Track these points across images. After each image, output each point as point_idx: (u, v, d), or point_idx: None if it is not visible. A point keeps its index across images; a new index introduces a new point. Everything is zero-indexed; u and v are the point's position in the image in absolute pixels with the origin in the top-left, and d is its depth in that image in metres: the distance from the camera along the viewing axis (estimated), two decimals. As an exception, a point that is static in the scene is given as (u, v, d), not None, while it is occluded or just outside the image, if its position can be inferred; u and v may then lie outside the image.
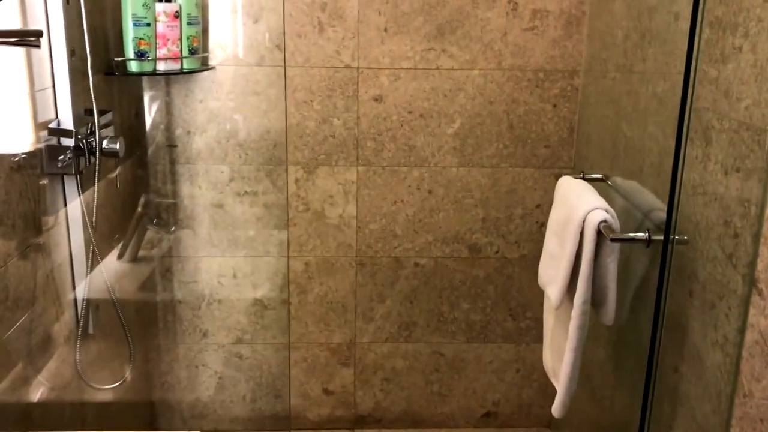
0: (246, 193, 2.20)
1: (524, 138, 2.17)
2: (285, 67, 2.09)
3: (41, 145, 1.46)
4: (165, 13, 1.91)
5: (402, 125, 2.15)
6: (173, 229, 2.18)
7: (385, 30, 2.07)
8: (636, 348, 1.49)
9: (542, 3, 2.06)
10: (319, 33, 2.07)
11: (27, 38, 1.00)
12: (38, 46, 1.14)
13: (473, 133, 2.16)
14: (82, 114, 1.62)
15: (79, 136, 1.55)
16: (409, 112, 2.14)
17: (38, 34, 1.00)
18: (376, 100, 2.13)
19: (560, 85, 2.12)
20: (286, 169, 2.17)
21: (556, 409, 1.48)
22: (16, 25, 1.35)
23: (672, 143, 1.33)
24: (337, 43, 2.08)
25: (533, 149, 2.18)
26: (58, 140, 1.52)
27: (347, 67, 2.10)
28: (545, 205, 2.22)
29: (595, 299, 1.38)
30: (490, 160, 2.19)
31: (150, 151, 2.15)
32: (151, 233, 2.12)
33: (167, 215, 2.19)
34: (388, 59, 2.10)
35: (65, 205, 1.56)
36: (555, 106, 2.14)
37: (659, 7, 1.53)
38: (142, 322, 2.16)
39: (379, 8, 2.06)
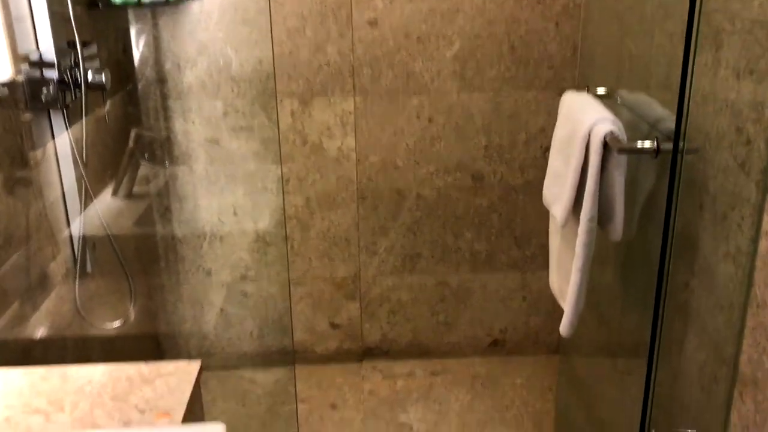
0: (241, 127, 2.14)
1: (526, 59, 2.09)
2: (275, -7, 2.01)
3: (22, 78, 1.40)
4: (146, -62, 1.82)
5: (399, 50, 2.08)
6: (167, 165, 2.13)
7: (378, -51, 1.98)
8: (645, 265, 1.45)
9: None
10: (309, -45, 1.98)
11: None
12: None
13: (473, 56, 2.09)
14: (65, 47, 1.55)
15: (63, 68, 1.49)
16: (406, 36, 2.07)
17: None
18: (371, 24, 2.05)
19: (562, 2, 2.04)
20: (276, 101, 2.10)
21: (564, 327, 1.45)
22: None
23: (680, 52, 1.27)
24: (328, -35, 1.99)
25: (536, 71, 2.10)
26: (41, 73, 1.46)
27: (340, -10, 2.02)
28: (549, 129, 2.16)
29: (602, 215, 1.34)
30: (491, 84, 2.12)
31: (140, 86, 2.08)
32: (145, 169, 2.08)
33: (161, 152, 2.15)
34: (382, -19, 2.01)
35: (53, 139, 1.51)
36: (557, 24, 2.06)
37: None
38: (142, 260, 2.14)
39: (371, -74, 1.96)
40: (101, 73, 1.54)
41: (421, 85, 2.11)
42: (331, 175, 2.19)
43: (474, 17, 2.05)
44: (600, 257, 1.51)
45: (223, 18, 2.03)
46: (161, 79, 2.08)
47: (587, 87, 1.62)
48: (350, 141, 2.16)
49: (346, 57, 2.08)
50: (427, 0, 2.03)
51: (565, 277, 1.48)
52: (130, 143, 1.99)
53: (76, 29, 1.54)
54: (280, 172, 2.18)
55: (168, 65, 2.07)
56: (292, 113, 2.13)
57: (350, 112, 2.13)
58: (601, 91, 1.59)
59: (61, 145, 1.53)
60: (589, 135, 1.27)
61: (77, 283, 1.56)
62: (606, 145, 1.25)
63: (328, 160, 2.18)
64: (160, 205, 2.18)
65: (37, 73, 1.45)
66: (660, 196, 1.31)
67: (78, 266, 1.57)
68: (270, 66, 2.07)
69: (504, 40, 2.07)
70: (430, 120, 2.15)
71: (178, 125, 2.12)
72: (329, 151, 2.17)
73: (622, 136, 1.25)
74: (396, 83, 2.11)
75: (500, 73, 2.11)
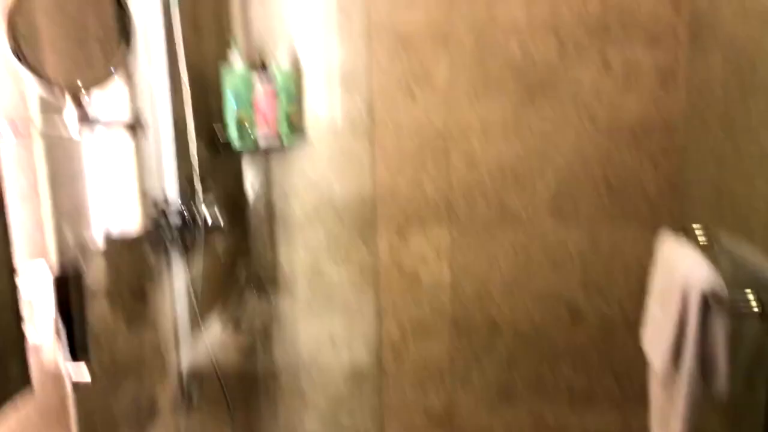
0: (342, 258, 2.24)
1: (623, 196, 2.11)
2: (363, 135, 2.14)
3: (148, 221, 1.54)
4: (264, 91, 2.00)
5: (494, 185, 2.14)
6: (272, 296, 2.24)
7: (475, 93, 2.09)
8: (753, 423, 1.38)
9: (635, 59, 2.02)
10: (410, 100, 2.11)
11: (131, 127, 1.07)
12: (141, 135, 1.21)
13: (569, 192, 2.12)
14: (187, 189, 1.70)
15: (184, 211, 1.63)
16: (501, 172, 2.13)
17: (140, 124, 1.07)
18: (467, 162, 2.13)
19: (658, 142, 2.06)
20: (375, 234, 2.19)
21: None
22: (125, 106, 1.45)
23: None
24: (428, 108, 2.11)
25: (633, 207, 2.11)
26: (165, 215, 1.60)
27: (438, 130, 2.12)
28: (648, 265, 2.14)
29: (704, 369, 1.30)
30: (587, 220, 2.13)
31: (252, 220, 2.23)
32: (251, 301, 2.19)
33: (267, 283, 2.26)
34: (479, 121, 2.10)
35: (170, 275, 1.64)
36: (654, 162, 2.07)
37: (761, 60, 1.46)
38: (243, 389, 2.21)
39: (468, 73, 2.08)
40: (217, 215, 1.67)
41: (516, 218, 2.15)
42: (426, 306, 2.23)
43: (569, 154, 2.10)
44: (704, 409, 1.45)
45: (330, 156, 2.17)
46: (271, 213, 2.22)
47: (686, 229, 1.61)
48: (446, 272, 2.20)
49: (443, 192, 2.16)
50: (522, 139, 2.10)
51: (667, 426, 1.43)
52: (239, 276, 2.12)
53: (199, 173, 1.69)
54: (377, 302, 2.24)
55: (278, 200, 2.21)
56: (390, 245, 2.21)
57: (446, 245, 2.19)
58: (700, 237, 1.57)
59: (177, 281, 1.65)
60: (688, 289, 1.26)
61: (184, 414, 1.64)
62: (706, 302, 1.23)
63: (424, 291, 2.22)
64: (263, 335, 2.28)
65: (161, 216, 1.59)
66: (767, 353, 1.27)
67: (185, 397, 1.65)
68: (371, 200, 2.18)
69: (600, 177, 2.10)
70: (525, 253, 2.17)
71: (284, 256, 2.24)
72: (425, 282, 2.22)
73: (723, 293, 1.23)
74: (491, 216, 2.16)
75: (597, 209, 2.12)
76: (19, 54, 0.89)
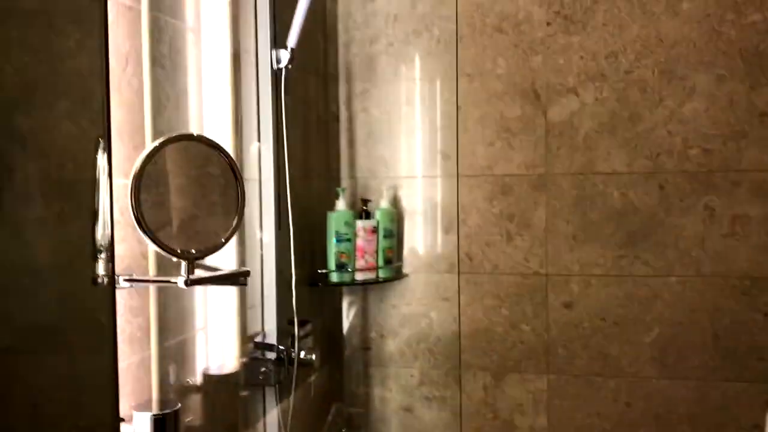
0: (434, 397, 2.21)
1: (733, 349, 1.99)
2: (459, 273, 2.16)
3: (246, 359, 1.60)
4: (364, 228, 2.08)
5: (595, 333, 2.08)
6: (369, 429, 2.22)
7: (574, 238, 2.08)
8: None
9: (742, 208, 1.97)
10: (508, 241, 2.13)
11: (236, 279, 1.15)
12: (245, 284, 1.30)
13: (674, 343, 2.03)
14: (286, 325, 1.77)
15: (280, 350, 1.68)
16: (602, 320, 2.08)
17: (246, 274, 1.15)
18: (566, 306, 2.10)
19: (771, 294, 1.96)
20: (459, 375, 2.16)
21: None
22: (233, 254, 1.55)
23: None
24: (526, 250, 2.12)
25: (745, 362, 1.99)
26: (262, 354, 1.66)
27: (536, 273, 2.11)
28: (763, 423, 1.98)
29: None
30: (694, 372, 2.02)
31: (346, 354, 2.26)
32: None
33: (359, 420, 2.25)
34: (578, 266, 2.08)
35: (264, 415, 1.67)
36: (766, 315, 1.97)
37: None
38: None
39: (567, 217, 2.08)
40: (313, 353, 1.71)
41: (617, 368, 2.07)
42: (522, 454, 2.15)
43: (674, 304, 2.03)
44: None
45: (425, 294, 2.20)
46: (366, 348, 2.24)
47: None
48: (542, 420, 2.13)
49: (541, 336, 2.12)
50: (623, 285, 2.06)
51: None
52: (330, 416, 2.13)
53: (296, 309, 1.75)
54: (469, 447, 2.18)
55: (373, 335, 2.24)
56: (485, 387, 2.17)
57: (543, 391, 2.12)
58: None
59: (270, 420, 1.68)
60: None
61: None
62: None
63: (519, 438, 2.15)
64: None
65: (258, 353, 1.65)
66: None
67: None
68: (466, 340, 2.16)
69: (707, 329, 2.01)
70: (627, 405, 2.07)
71: (376, 392, 2.24)
72: (520, 429, 2.14)
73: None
74: (591, 365, 2.09)
75: (704, 362, 2.01)
76: (140, 221, 0.99)
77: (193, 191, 1.09)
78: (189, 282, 1.04)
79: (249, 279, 1.63)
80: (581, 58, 2.06)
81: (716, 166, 1.98)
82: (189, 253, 1.05)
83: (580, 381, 2.10)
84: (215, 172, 1.10)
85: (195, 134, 1.12)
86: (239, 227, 1.11)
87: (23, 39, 1.05)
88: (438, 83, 2.17)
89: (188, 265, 1.04)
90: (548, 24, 2.08)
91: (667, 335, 2.04)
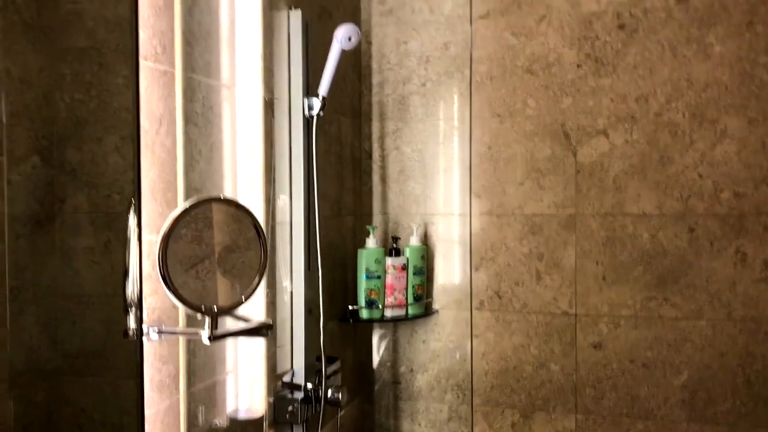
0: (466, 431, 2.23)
1: (765, 396, 1.97)
2: (471, 309, 2.18)
3: (273, 398, 1.66)
4: (394, 266, 2.12)
5: (623, 374, 2.08)
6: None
7: (604, 278, 2.09)
8: None
9: (775, 254, 1.95)
10: (537, 280, 2.15)
11: (258, 332, 1.20)
12: (267, 336, 1.35)
13: (704, 387, 2.02)
14: (314, 362, 1.82)
15: (309, 389, 1.73)
16: (631, 361, 2.08)
17: (268, 326, 1.20)
18: (595, 347, 2.10)
19: (804, 340, 1.93)
20: (471, 413, 2.18)
21: None
22: (262, 295, 1.61)
23: None
24: (555, 290, 2.13)
25: (777, 409, 1.96)
26: (290, 392, 1.71)
27: (565, 313, 2.13)
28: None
29: None
30: (725, 417, 2.00)
31: (376, 387, 2.30)
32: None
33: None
34: (607, 307, 2.09)
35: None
36: (800, 362, 1.94)
37: None
38: None
39: (597, 258, 2.09)
40: (339, 392, 1.76)
41: (646, 410, 2.06)
42: (549, 493, 2.15)
43: (703, 347, 2.01)
44: None
45: (455, 330, 2.23)
46: (396, 382, 2.28)
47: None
48: (570, 459, 2.13)
49: (569, 376, 2.12)
50: (653, 328, 2.05)
51: None
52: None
53: (324, 347, 1.80)
54: (496, 484, 2.19)
55: (403, 369, 2.28)
56: (513, 425, 2.18)
57: (571, 431, 2.13)
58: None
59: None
60: None
61: None
62: None
63: (547, 476, 2.15)
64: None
65: (286, 392, 1.70)
66: None
67: None
68: (495, 376, 2.18)
69: (738, 373, 1.99)
70: (656, 447, 2.06)
71: (405, 426, 2.27)
72: (548, 468, 2.15)
73: None
74: (620, 406, 2.08)
75: (735, 407, 1.99)
76: (166, 279, 1.06)
77: (218, 250, 1.15)
78: (212, 338, 1.10)
79: (278, 320, 1.69)
80: (611, 100, 2.07)
81: (748, 209, 1.97)
82: (211, 309, 1.11)
83: (608, 422, 2.10)
84: (240, 232, 1.16)
85: (222, 196, 1.18)
86: (258, 286, 1.16)
87: (76, 75, 1.13)
88: (469, 122, 2.20)
89: (211, 321, 1.10)
90: (579, 66, 2.10)
91: (697, 379, 2.02)
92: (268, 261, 1.17)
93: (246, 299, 1.15)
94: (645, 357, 2.06)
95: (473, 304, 2.21)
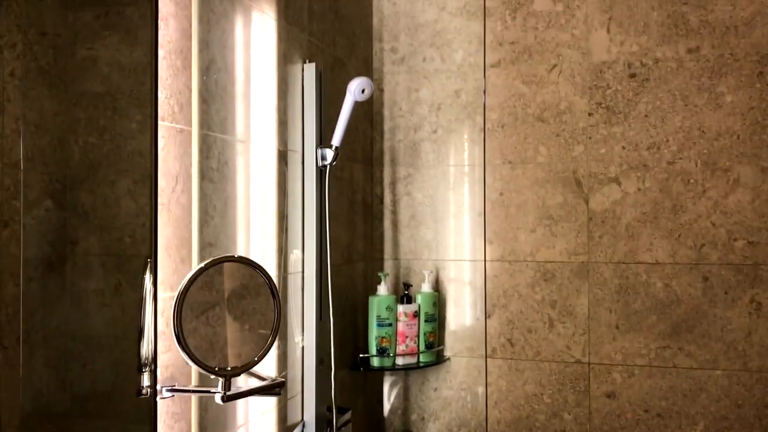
0: (475, 483, 2.20)
1: (783, 448, 1.94)
2: (486, 356, 2.16)
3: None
4: (405, 313, 2.12)
5: (638, 424, 2.05)
6: None
7: (617, 327, 2.07)
8: None
9: (790, 304, 1.93)
10: (549, 328, 2.13)
11: (270, 390, 1.20)
12: (278, 395, 1.35)
13: (720, 438, 1.99)
14: (325, 412, 1.80)
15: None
16: (645, 411, 2.05)
17: (281, 385, 1.20)
18: (608, 396, 2.08)
19: (822, 392, 1.91)
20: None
21: None
22: (274, 346, 1.61)
23: None
24: (568, 338, 2.12)
25: (796, 462, 1.93)
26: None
27: (578, 362, 2.11)
28: None
29: None
30: (743, 470, 1.97)
31: (387, 435, 2.28)
32: None
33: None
34: (621, 356, 2.07)
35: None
36: (818, 415, 1.91)
37: None
38: None
39: (610, 306, 2.08)
40: (351, 442, 1.74)
41: (662, 462, 2.03)
42: None
43: (720, 398, 1.99)
44: None
45: (467, 378, 2.21)
46: (407, 430, 2.26)
47: None
48: None
49: (583, 426, 2.10)
50: (667, 377, 2.03)
51: None
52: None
53: (335, 397, 1.79)
54: None
55: (414, 417, 2.26)
56: (526, 475, 2.15)
57: (585, 482, 2.10)
58: None
59: None
60: None
61: None
62: None
63: None
64: None
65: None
66: None
67: None
68: (507, 426, 2.16)
69: (756, 425, 1.96)
70: (673, 500, 2.02)
71: (416, 475, 2.25)
72: None
73: None
74: (635, 457, 2.05)
75: (753, 461, 1.96)
76: (180, 340, 1.06)
77: (233, 309, 1.15)
78: (225, 398, 1.10)
79: (290, 370, 1.69)
80: (623, 148, 2.08)
81: (762, 258, 1.96)
82: (225, 370, 1.10)
83: (623, 473, 2.07)
84: (255, 291, 1.16)
85: (236, 256, 1.18)
86: (272, 346, 1.16)
87: (90, 120, 1.14)
88: (480, 169, 2.21)
89: (225, 381, 1.10)
90: (590, 114, 2.11)
91: (714, 430, 1.99)
92: (281, 320, 1.17)
93: (259, 360, 1.14)
94: (659, 407, 2.04)
95: (485, 352, 2.19)
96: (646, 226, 2.06)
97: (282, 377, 1.28)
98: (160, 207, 1.20)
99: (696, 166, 2.02)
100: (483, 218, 2.21)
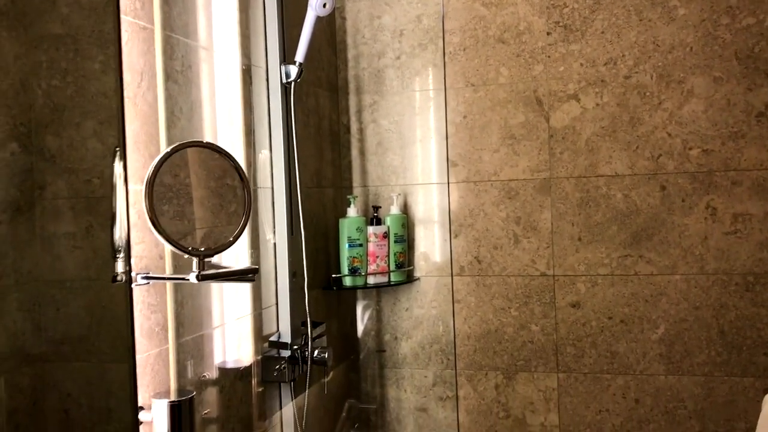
0: (448, 397, 2.27)
1: (739, 345, 2.03)
2: (452, 275, 2.23)
3: (259, 357, 1.69)
4: (375, 234, 2.16)
5: (602, 331, 2.14)
6: (382, 429, 2.29)
7: (579, 239, 2.14)
8: None
9: (743, 207, 2.02)
10: (515, 244, 2.20)
11: (244, 275, 1.23)
12: (253, 281, 1.38)
13: (680, 339, 2.08)
14: (299, 326, 1.85)
15: (295, 347, 1.77)
16: (609, 318, 2.13)
17: (254, 271, 1.24)
18: (573, 306, 2.16)
19: (774, 289, 2.00)
20: (455, 377, 2.22)
21: None
22: (247, 258, 1.65)
23: None
24: (532, 252, 2.18)
25: (750, 357, 2.02)
26: (277, 351, 1.75)
27: (543, 275, 2.18)
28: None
29: None
30: (701, 368, 2.06)
31: (362, 356, 2.34)
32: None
33: (375, 418, 2.32)
34: (584, 266, 2.14)
35: (280, 409, 1.75)
36: (770, 310, 2.00)
37: None
38: None
39: (572, 219, 2.15)
40: (325, 352, 1.80)
41: (625, 365, 2.12)
42: (534, 451, 2.20)
43: (679, 301, 2.07)
44: None
45: (437, 296, 2.27)
46: (380, 350, 2.32)
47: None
48: (553, 417, 2.18)
49: (550, 336, 2.18)
50: (629, 285, 2.11)
51: None
52: (344, 413, 2.20)
53: (309, 311, 1.84)
54: (482, 445, 2.24)
55: (387, 337, 2.32)
56: (497, 386, 2.23)
57: (554, 389, 2.18)
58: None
59: (286, 415, 1.77)
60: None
61: None
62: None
63: (531, 436, 2.20)
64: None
65: (273, 352, 1.73)
66: None
67: None
68: (477, 341, 2.23)
69: (713, 325, 2.05)
70: (636, 401, 2.12)
71: (391, 393, 2.31)
72: (532, 427, 2.20)
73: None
74: (600, 363, 2.14)
75: (710, 358, 2.05)
76: (154, 221, 1.09)
77: (203, 194, 1.18)
78: (200, 277, 1.13)
79: (264, 281, 1.73)
80: (581, 65, 2.13)
81: (716, 165, 2.04)
82: (199, 250, 1.14)
83: (589, 378, 2.15)
84: (223, 176, 1.19)
85: (203, 141, 1.21)
86: (245, 227, 1.20)
87: (52, 62, 1.15)
88: (444, 93, 2.25)
89: (199, 262, 1.14)
90: (548, 33, 2.15)
91: (673, 332, 2.08)
92: (252, 203, 1.20)
93: (234, 240, 1.18)
94: (623, 313, 2.12)
95: (454, 271, 2.25)
96: (605, 140, 2.12)
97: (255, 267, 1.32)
98: (126, 101, 1.22)
99: (651, 79, 2.08)
100: (448, 141, 2.25)
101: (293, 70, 1.79)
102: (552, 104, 2.16)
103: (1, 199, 1.01)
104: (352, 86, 2.33)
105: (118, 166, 1.15)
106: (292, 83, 1.79)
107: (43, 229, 1.13)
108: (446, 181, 2.26)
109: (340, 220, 2.15)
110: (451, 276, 2.25)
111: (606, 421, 2.14)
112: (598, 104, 2.12)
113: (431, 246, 2.28)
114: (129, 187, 1.19)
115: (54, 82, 1.15)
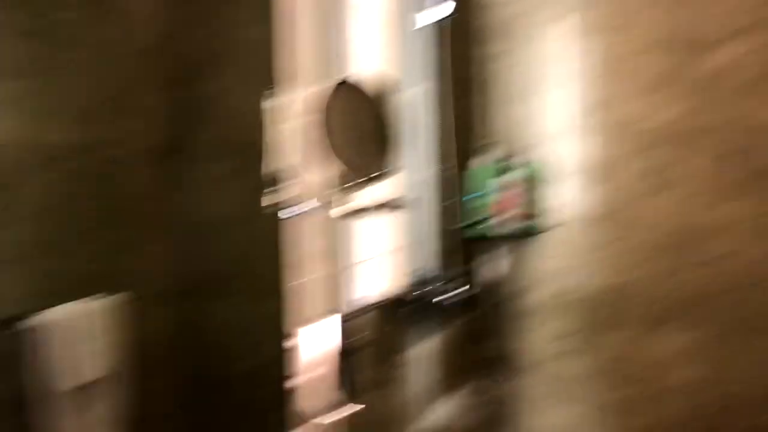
0: (578, 350, 2.24)
1: None
2: (606, 227, 2.17)
3: (402, 291, 1.74)
4: (508, 183, 2.15)
5: (746, 287, 2.04)
6: (509, 382, 2.29)
7: (727, 190, 2.04)
8: None
9: None
10: (657, 194, 2.11)
11: (392, 205, 1.28)
12: (398, 209, 1.42)
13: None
14: (436, 269, 1.88)
15: (429, 291, 1.81)
16: (752, 275, 2.03)
17: (400, 201, 1.28)
18: (715, 262, 2.07)
19: None
20: (618, 327, 2.18)
21: None
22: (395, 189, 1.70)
23: None
24: (676, 203, 2.10)
25: None
26: (418, 290, 1.79)
27: (685, 226, 2.09)
28: None
29: None
30: None
31: (491, 304, 2.33)
32: (482, 381, 2.25)
33: (498, 366, 2.32)
34: (730, 220, 2.04)
35: (410, 347, 1.80)
36: None
37: None
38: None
39: (720, 169, 2.04)
40: (459, 297, 1.82)
41: (772, 324, 2.01)
42: (674, 407, 2.12)
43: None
44: None
45: (572, 248, 2.22)
46: (510, 299, 2.31)
47: None
48: (689, 374, 2.10)
49: (689, 290, 2.09)
50: (779, 239, 1.98)
51: None
52: (478, 358, 2.22)
53: (449, 257, 1.86)
54: (614, 397, 2.19)
55: (518, 287, 2.30)
56: (631, 340, 2.17)
57: (691, 346, 2.10)
58: None
59: (420, 352, 1.81)
60: None
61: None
62: None
63: (672, 391, 2.12)
64: (497, 419, 2.32)
65: (413, 291, 1.79)
66: None
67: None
68: (613, 293, 2.17)
69: None
70: (783, 362, 2.01)
71: (524, 344, 2.30)
72: (668, 383, 2.13)
73: None
74: (749, 319, 2.04)
75: None
76: (330, 148, 1.14)
77: (359, 131, 1.23)
78: (347, 209, 1.18)
79: (410, 218, 1.77)
80: (735, 6, 2.00)
81: None
82: (354, 180, 1.19)
83: (737, 335, 2.05)
84: (379, 115, 1.23)
85: (357, 78, 1.25)
86: (398, 160, 1.23)
87: (200, 13, 1.21)
88: (583, 38, 2.18)
89: (353, 191, 1.18)
90: (699, -27, 2.04)
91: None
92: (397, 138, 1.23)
93: (387, 171, 1.22)
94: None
95: (590, 221, 2.20)
96: (758, 86, 1.99)
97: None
98: (276, 44, 1.25)
99: (814, 18, 1.93)
100: (587, 89, 2.19)
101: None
102: (700, 48, 2.05)
103: (155, 144, 1.05)
104: (484, 34, 2.30)
105: (271, 101, 1.20)
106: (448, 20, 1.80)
107: (190, 173, 1.20)
108: (584, 129, 2.20)
109: (471, 170, 2.15)
110: (585, 227, 2.21)
111: (756, 379, 2.04)
112: (751, 49, 1.99)
113: (566, 196, 2.24)
114: (279, 126, 1.23)
115: (204, 31, 1.20)
